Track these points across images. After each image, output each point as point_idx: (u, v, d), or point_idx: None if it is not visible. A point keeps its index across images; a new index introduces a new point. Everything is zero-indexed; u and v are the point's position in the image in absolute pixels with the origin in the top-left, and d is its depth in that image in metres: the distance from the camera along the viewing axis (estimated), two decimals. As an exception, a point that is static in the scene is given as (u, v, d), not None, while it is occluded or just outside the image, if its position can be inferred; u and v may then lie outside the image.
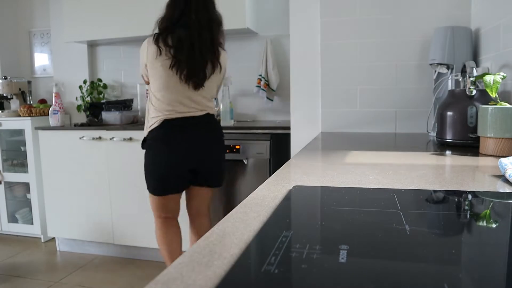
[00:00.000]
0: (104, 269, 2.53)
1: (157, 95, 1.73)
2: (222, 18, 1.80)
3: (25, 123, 2.91)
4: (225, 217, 0.52)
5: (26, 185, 3.01)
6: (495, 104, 1.02)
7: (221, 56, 1.78)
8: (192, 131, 1.76)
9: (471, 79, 1.13)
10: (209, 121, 1.81)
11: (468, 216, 0.53)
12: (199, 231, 1.95)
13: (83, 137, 2.61)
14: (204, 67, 1.72)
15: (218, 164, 1.89)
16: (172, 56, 1.68)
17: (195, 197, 1.92)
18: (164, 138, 1.74)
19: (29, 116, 2.93)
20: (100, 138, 2.58)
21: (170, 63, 1.68)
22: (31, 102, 3.26)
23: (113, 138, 2.55)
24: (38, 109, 3.00)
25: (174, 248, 1.93)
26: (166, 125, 1.72)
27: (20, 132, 3.00)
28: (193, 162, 1.80)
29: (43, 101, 3.29)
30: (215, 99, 2.15)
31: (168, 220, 1.89)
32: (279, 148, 2.25)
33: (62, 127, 2.77)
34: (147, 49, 1.73)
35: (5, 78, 3.14)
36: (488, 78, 1.06)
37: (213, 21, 1.74)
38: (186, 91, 1.73)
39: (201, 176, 1.85)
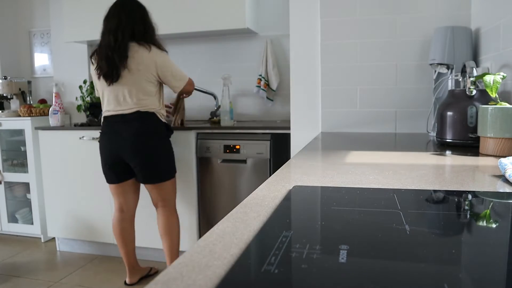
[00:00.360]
0: (104, 269, 2.53)
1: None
2: (138, 20, 1.94)
3: (25, 123, 2.91)
4: (225, 217, 0.52)
5: (26, 185, 3.01)
6: (495, 104, 1.02)
7: (136, 53, 1.90)
8: (117, 128, 1.96)
9: (471, 79, 1.13)
10: (137, 119, 1.94)
11: (468, 216, 0.53)
12: (158, 222, 2.14)
13: (83, 137, 2.61)
14: (115, 66, 1.89)
15: (148, 161, 1.98)
16: (96, 62, 1.98)
17: (148, 190, 2.11)
18: (100, 133, 2.05)
19: (29, 116, 2.93)
20: (100, 138, 2.58)
21: (95, 68, 1.99)
22: (31, 102, 3.26)
23: (113, 138, 2.55)
24: (38, 109, 3.00)
25: (122, 245, 2.15)
26: (104, 122, 2.02)
27: (20, 132, 3.00)
28: (118, 157, 1.99)
29: (43, 101, 3.29)
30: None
31: (118, 213, 2.14)
32: (279, 148, 2.25)
33: (62, 127, 2.77)
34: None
35: (5, 78, 3.14)
36: (488, 78, 1.06)
37: (120, 25, 1.90)
38: (110, 89, 1.95)
39: (136, 172, 2.03)
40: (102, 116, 2.03)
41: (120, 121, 1.95)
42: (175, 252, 2.11)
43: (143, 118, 1.94)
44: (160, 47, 1.96)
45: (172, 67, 1.99)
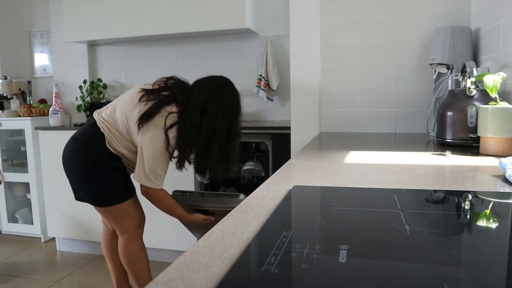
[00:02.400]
0: (104, 269, 2.53)
1: None
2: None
3: (25, 123, 2.91)
4: (225, 217, 0.52)
5: (26, 185, 3.01)
6: (495, 104, 1.02)
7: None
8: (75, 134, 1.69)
9: (471, 79, 1.13)
10: (90, 127, 1.60)
11: (468, 216, 0.53)
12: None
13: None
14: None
15: (73, 177, 1.70)
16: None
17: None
18: None
19: (29, 116, 2.93)
20: (100, 138, 2.58)
21: None
22: (31, 102, 3.26)
23: (113, 138, 2.54)
24: (38, 109, 3.00)
25: (107, 259, 1.87)
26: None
27: (20, 132, 3.00)
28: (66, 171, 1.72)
29: (43, 101, 3.29)
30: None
31: (103, 225, 1.87)
32: (279, 148, 2.25)
33: (62, 127, 2.77)
34: None
35: (5, 78, 3.14)
36: (488, 78, 1.06)
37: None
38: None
39: None
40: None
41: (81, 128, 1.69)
42: (142, 280, 1.74)
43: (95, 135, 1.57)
44: None
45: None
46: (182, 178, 2.40)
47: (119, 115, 1.55)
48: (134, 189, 1.69)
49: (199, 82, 1.57)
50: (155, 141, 1.46)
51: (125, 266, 1.75)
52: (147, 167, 1.49)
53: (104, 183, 1.62)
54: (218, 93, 1.56)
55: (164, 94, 1.52)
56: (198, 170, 1.64)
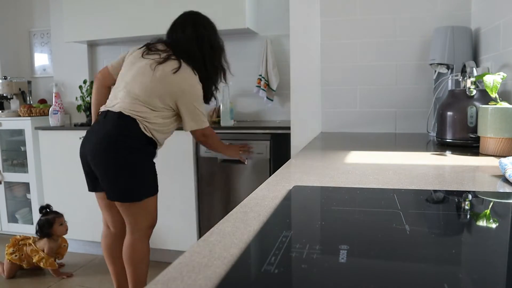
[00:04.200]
0: (104, 269, 2.53)
1: None
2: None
3: (25, 123, 2.91)
4: (225, 217, 0.52)
5: (26, 185, 3.01)
6: (495, 104, 1.02)
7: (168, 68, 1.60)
8: (96, 126, 1.66)
9: (471, 79, 1.13)
10: (117, 120, 1.57)
11: (468, 216, 0.53)
12: (123, 247, 1.73)
13: (83, 137, 2.61)
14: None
15: (107, 174, 1.61)
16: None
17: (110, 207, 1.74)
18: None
19: (29, 116, 2.93)
20: (100, 138, 2.58)
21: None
22: (31, 102, 3.26)
23: (113, 138, 2.54)
24: (38, 109, 3.00)
25: (108, 261, 1.83)
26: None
27: (20, 132, 3.00)
28: (88, 164, 1.65)
29: (43, 101, 3.29)
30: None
31: (104, 227, 1.84)
32: (279, 148, 2.25)
33: (62, 127, 2.77)
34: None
35: (5, 78, 3.14)
36: (488, 78, 1.06)
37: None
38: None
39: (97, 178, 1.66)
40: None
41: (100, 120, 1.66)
42: (140, 283, 1.73)
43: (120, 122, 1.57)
44: None
45: None
46: (180, 169, 2.40)
47: (142, 92, 1.58)
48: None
49: (173, 28, 1.71)
50: (194, 88, 1.63)
51: (126, 266, 1.74)
52: (198, 111, 1.65)
53: (140, 173, 1.63)
54: (193, 22, 1.70)
55: (165, 54, 1.63)
56: (208, 98, 1.77)
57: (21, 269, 2.42)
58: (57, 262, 2.42)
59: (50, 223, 2.37)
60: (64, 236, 2.45)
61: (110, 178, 1.60)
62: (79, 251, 2.78)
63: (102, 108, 1.67)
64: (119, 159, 1.57)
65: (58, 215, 2.43)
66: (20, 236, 2.41)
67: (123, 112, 1.56)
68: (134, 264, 1.71)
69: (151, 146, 1.65)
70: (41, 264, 2.33)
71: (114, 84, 1.74)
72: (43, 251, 2.33)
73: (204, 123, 1.68)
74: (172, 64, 1.60)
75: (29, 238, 2.40)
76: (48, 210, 2.44)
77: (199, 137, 1.74)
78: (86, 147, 1.65)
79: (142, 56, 1.65)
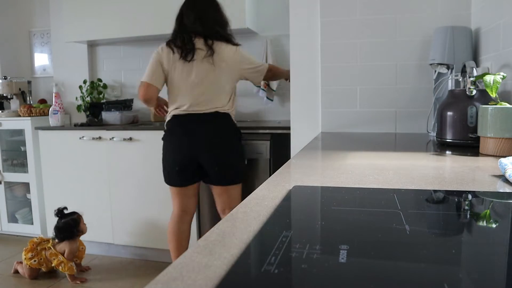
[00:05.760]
0: (104, 269, 2.53)
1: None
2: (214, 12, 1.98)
3: (25, 123, 2.91)
4: (225, 217, 0.52)
5: (26, 185, 3.01)
6: (495, 104, 1.02)
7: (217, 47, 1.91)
8: (194, 128, 1.90)
9: (471, 79, 1.13)
10: (215, 119, 1.91)
11: (468, 216, 0.53)
12: None
13: (83, 137, 2.61)
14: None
15: (223, 162, 1.93)
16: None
17: (215, 195, 2.05)
18: (171, 132, 1.97)
19: (29, 116, 2.93)
20: (100, 138, 2.58)
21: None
22: (31, 102, 3.26)
23: (113, 138, 2.55)
24: (38, 109, 3.00)
25: (177, 246, 2.05)
26: (174, 120, 1.94)
27: (20, 132, 3.00)
28: (194, 158, 1.92)
29: (43, 101, 3.29)
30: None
31: (180, 215, 2.06)
32: (279, 148, 2.25)
33: (62, 127, 2.77)
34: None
35: (5, 78, 3.14)
36: (488, 78, 1.06)
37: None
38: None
39: (209, 174, 1.96)
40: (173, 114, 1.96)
41: (196, 121, 1.91)
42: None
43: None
44: None
45: None
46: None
47: (213, 83, 1.90)
48: None
49: (183, 14, 1.98)
50: (239, 52, 1.97)
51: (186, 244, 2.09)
52: (259, 61, 2.07)
53: (244, 156, 2.11)
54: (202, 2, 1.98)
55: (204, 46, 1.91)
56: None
57: (51, 271, 2.42)
58: (82, 265, 2.43)
59: (77, 222, 2.37)
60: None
61: (224, 166, 1.95)
62: (79, 251, 2.78)
63: (187, 111, 1.91)
64: (230, 150, 1.97)
65: (79, 214, 2.44)
66: (37, 239, 2.38)
67: (219, 111, 1.92)
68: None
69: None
70: (60, 268, 2.31)
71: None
72: (63, 254, 2.32)
73: (264, 64, 2.04)
74: (218, 48, 1.90)
75: (48, 241, 2.37)
76: (64, 212, 2.43)
77: (268, 77, 2.10)
78: (194, 146, 1.90)
79: (185, 59, 1.89)
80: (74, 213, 2.43)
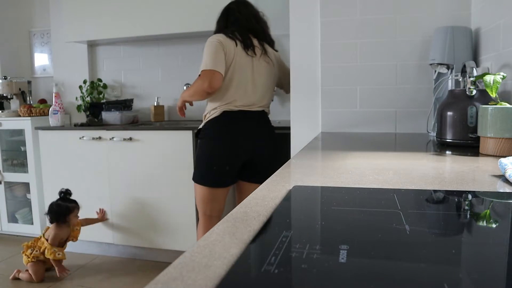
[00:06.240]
0: (104, 269, 2.53)
1: None
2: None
3: (25, 123, 2.91)
4: (225, 217, 0.52)
5: (26, 185, 3.01)
6: (495, 104, 1.02)
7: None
8: (247, 125, 1.91)
9: (471, 79, 1.13)
10: (261, 117, 1.97)
11: (468, 216, 0.53)
12: None
13: (83, 137, 2.61)
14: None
15: (270, 160, 1.96)
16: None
17: (247, 193, 1.98)
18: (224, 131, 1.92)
19: (29, 116, 2.93)
20: (100, 138, 2.58)
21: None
22: (31, 102, 3.26)
23: (113, 138, 2.55)
24: (38, 109, 3.00)
25: None
26: (224, 117, 1.89)
27: (20, 132, 3.00)
28: (248, 156, 1.93)
29: (43, 101, 3.29)
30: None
31: (212, 219, 1.97)
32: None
33: (62, 127, 2.77)
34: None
35: (5, 78, 3.14)
36: (488, 78, 1.06)
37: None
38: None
39: (252, 170, 1.96)
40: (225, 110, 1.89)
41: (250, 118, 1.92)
42: None
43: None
44: None
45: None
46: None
47: (266, 82, 1.97)
48: None
49: (234, 10, 2.01)
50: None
51: None
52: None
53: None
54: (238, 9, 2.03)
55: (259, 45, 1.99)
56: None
57: (47, 270, 2.41)
58: (65, 266, 2.41)
59: (69, 211, 2.36)
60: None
61: (271, 164, 1.86)
62: (78, 251, 2.78)
63: (239, 108, 1.89)
64: (274, 148, 2.02)
65: (77, 205, 2.43)
66: (30, 242, 2.38)
67: (265, 110, 1.99)
68: None
69: None
70: (46, 255, 2.30)
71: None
72: (47, 240, 2.32)
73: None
74: (267, 48, 1.99)
75: (39, 238, 2.38)
76: (67, 196, 2.42)
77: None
78: (250, 144, 1.90)
79: (247, 54, 1.89)
80: (74, 201, 2.43)
